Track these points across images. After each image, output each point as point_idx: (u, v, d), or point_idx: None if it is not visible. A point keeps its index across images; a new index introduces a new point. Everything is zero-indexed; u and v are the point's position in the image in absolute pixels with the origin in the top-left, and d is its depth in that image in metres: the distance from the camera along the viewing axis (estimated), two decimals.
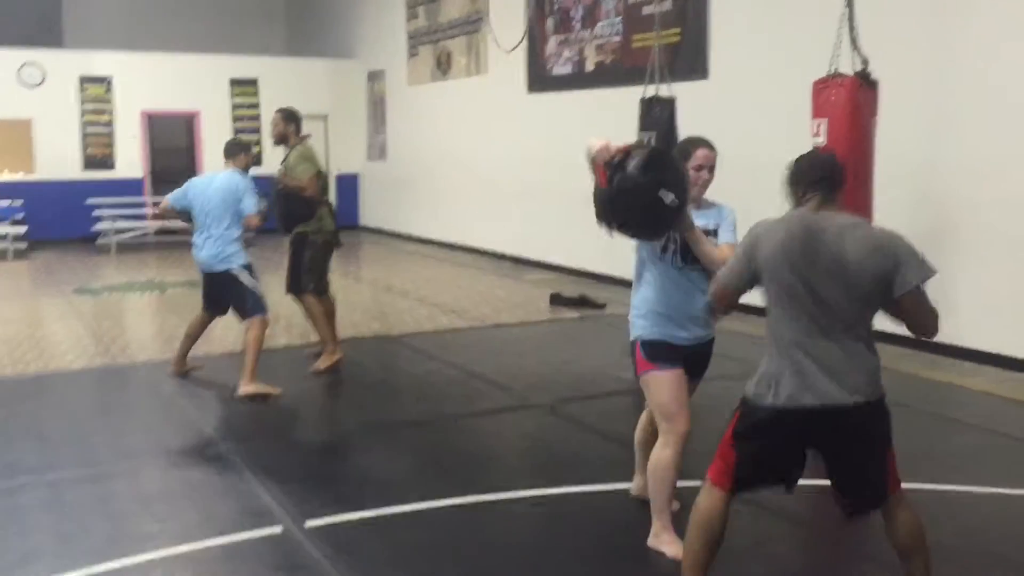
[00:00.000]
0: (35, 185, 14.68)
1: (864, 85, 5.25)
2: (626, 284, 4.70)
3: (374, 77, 16.14)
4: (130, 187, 15.14)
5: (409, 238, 15.12)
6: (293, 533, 3.92)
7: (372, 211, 16.74)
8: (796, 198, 2.95)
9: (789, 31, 7.86)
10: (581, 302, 9.04)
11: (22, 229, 13.79)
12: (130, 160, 15.33)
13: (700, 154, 3.53)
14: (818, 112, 5.33)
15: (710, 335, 3.65)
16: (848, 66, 5.42)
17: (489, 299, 9.67)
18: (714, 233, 3.51)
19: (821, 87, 5.34)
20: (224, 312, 6.33)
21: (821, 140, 5.29)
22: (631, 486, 4.09)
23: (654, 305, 3.55)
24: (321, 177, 6.62)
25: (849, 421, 2.83)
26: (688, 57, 9.02)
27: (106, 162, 15.24)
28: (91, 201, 14.44)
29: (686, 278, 3.50)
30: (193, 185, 6.21)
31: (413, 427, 5.42)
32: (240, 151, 6.33)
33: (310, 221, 6.55)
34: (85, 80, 15.06)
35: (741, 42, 8.52)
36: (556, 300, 9.20)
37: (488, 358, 7.08)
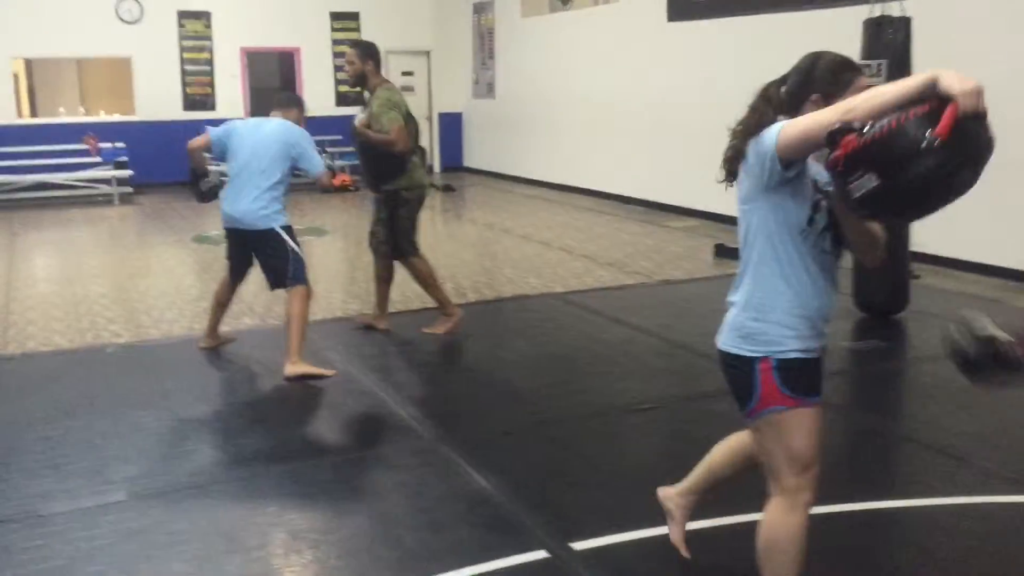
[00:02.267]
0: (137, 125, 14.14)
1: None
2: None
3: (481, 9, 15.17)
4: None
5: (520, 180, 14.29)
6: (562, 559, 3.18)
7: (478, 152, 15.92)
8: None
9: None
10: None
11: (127, 173, 13.26)
12: (231, 100, 14.68)
13: (863, 84, 2.36)
14: None
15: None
16: None
17: (642, 250, 8.83)
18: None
19: None
20: (244, 276, 5.52)
21: None
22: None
23: (792, 305, 2.40)
24: (411, 125, 5.69)
25: None
26: None
27: (206, 102, 14.61)
28: None
29: (831, 265, 2.45)
30: (236, 129, 5.29)
31: (646, 414, 4.62)
32: (295, 104, 5.46)
33: (401, 176, 5.72)
34: (184, 15, 14.38)
35: None
36: (723, 252, 8.31)
37: (680, 322, 6.26)
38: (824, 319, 2.47)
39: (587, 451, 4.23)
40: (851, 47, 6.84)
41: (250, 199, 5.18)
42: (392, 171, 5.72)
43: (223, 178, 5.49)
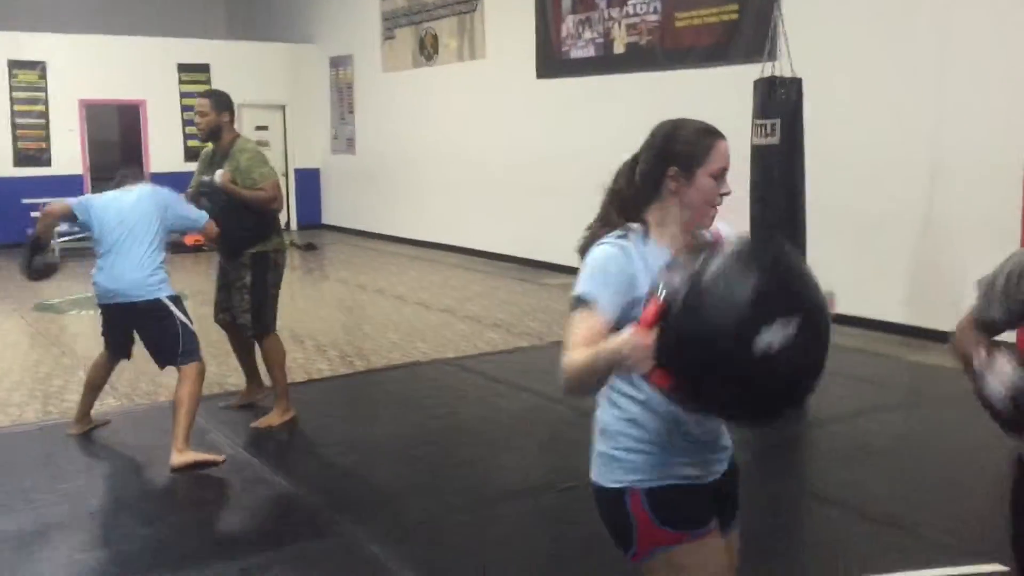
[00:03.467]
0: None
1: None
2: None
3: (339, 63, 14.82)
4: (69, 185, 13.42)
5: (383, 237, 13.91)
6: None
7: (337, 209, 15.44)
8: None
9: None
10: None
11: None
12: (68, 155, 13.70)
13: (723, 150, 2.06)
14: None
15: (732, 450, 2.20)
16: None
17: (526, 309, 8.62)
18: None
19: None
20: (129, 354, 5.02)
21: None
22: None
23: (660, 423, 2.03)
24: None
25: None
26: (748, 37, 8.13)
27: (40, 157, 13.57)
28: (27, 201, 12.78)
29: None
30: (96, 201, 4.85)
31: (572, 492, 4.34)
32: (142, 176, 5.16)
33: (270, 237, 5.25)
34: (15, 65, 13.35)
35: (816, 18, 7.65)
36: None
37: None
38: (714, 433, 2.09)
39: (518, 537, 3.91)
40: (735, 106, 6.97)
41: (133, 268, 4.68)
42: (261, 232, 5.25)
43: (63, 256, 4.95)
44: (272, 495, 4.40)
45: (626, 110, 9.33)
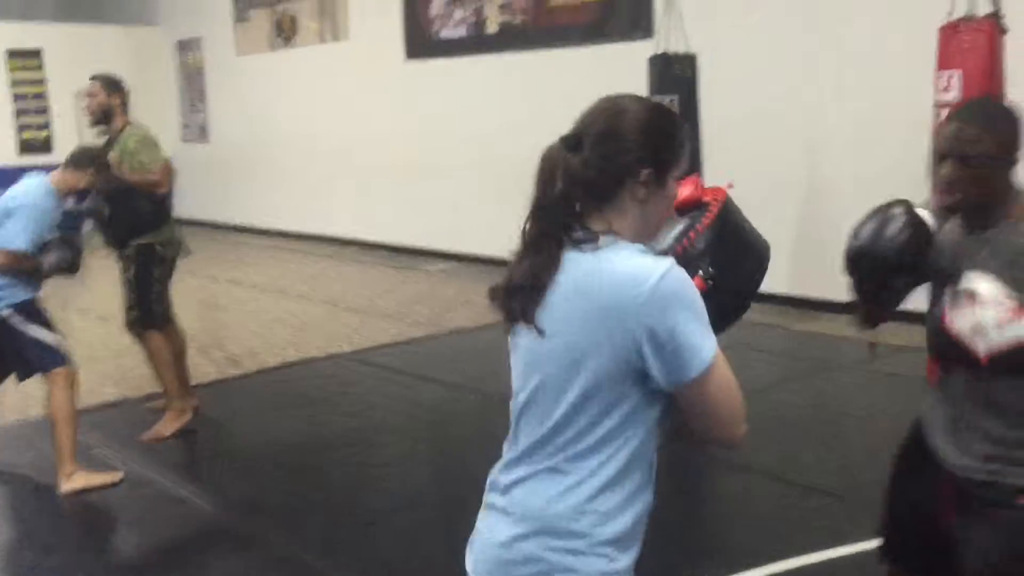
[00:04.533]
0: None
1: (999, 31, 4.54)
2: None
3: (187, 47, 14.04)
4: None
5: (244, 230, 13.30)
6: None
7: (190, 200, 14.53)
8: (1009, 182, 1.98)
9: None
10: None
11: None
12: None
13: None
14: (947, 63, 4.57)
15: None
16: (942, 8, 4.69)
17: (412, 297, 8.37)
18: None
19: (951, 33, 4.58)
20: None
21: (953, 96, 4.53)
22: None
23: (640, 513, 1.61)
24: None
25: None
26: (625, 15, 8.13)
27: None
28: None
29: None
30: None
31: None
32: (89, 163, 4.48)
33: (161, 228, 4.91)
34: None
35: None
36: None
37: (493, 375, 5.87)
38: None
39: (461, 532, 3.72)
40: (614, 84, 6.91)
41: None
42: (147, 221, 4.82)
43: None
44: (183, 513, 4.04)
45: (502, 91, 9.19)
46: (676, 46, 6.02)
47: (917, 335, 2.34)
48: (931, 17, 4.78)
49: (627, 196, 1.57)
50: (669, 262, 1.51)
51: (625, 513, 1.58)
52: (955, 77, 4.55)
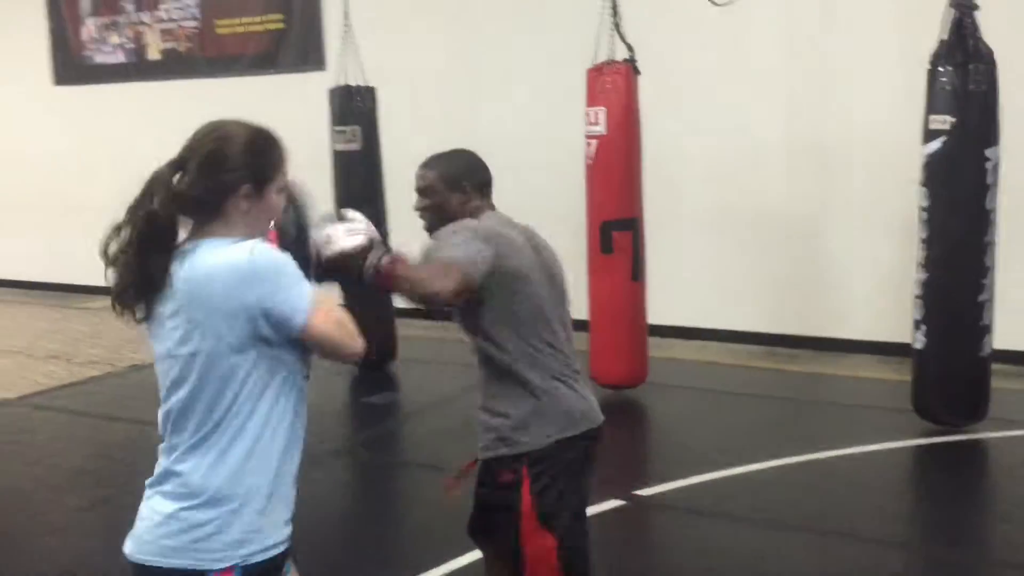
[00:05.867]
0: None
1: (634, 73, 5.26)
2: None
3: None
4: None
5: None
6: None
7: None
8: (463, 198, 2.52)
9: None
10: None
11: None
12: None
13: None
14: (595, 100, 5.21)
15: None
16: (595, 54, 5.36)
17: (79, 337, 7.86)
18: None
19: (596, 74, 5.23)
20: None
21: (600, 129, 5.19)
22: None
23: (279, 471, 1.85)
24: None
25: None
26: (297, 46, 8.27)
27: None
28: None
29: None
30: None
31: None
32: None
33: None
34: None
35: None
36: None
37: None
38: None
39: None
40: (288, 114, 7.00)
41: None
42: None
43: None
44: None
45: (167, 118, 8.84)
46: (353, 79, 6.26)
47: None
48: (579, 60, 5.42)
49: (231, 208, 1.82)
50: (252, 243, 1.78)
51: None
52: (601, 113, 5.21)
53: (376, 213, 6.25)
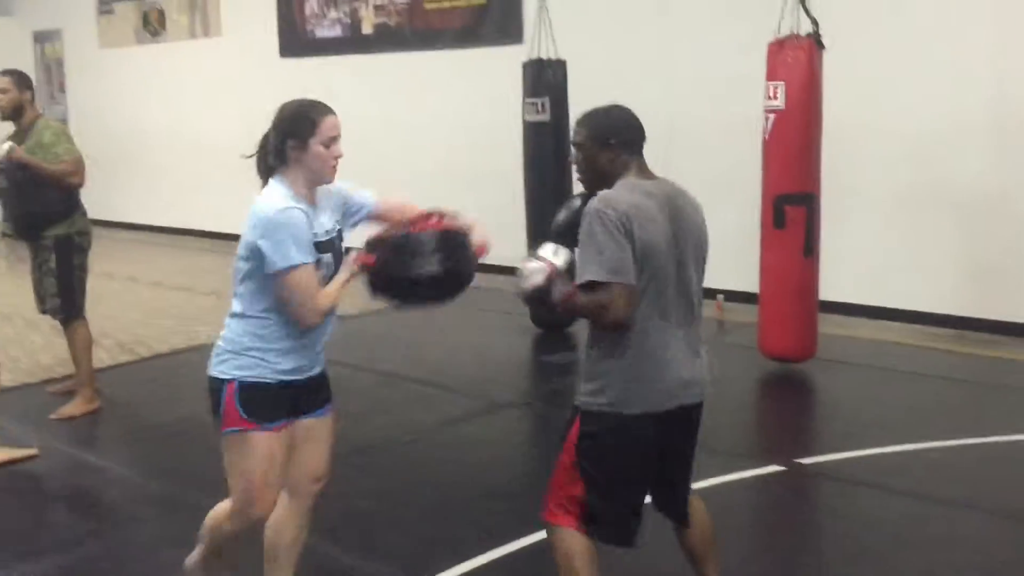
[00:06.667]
0: None
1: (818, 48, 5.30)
2: None
3: (45, 38, 13.75)
4: None
5: (109, 224, 13.13)
6: None
7: None
8: (610, 154, 2.61)
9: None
10: None
11: None
12: None
13: (330, 123, 2.70)
14: (775, 74, 5.30)
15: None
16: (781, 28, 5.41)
17: None
18: (339, 235, 2.82)
19: (777, 48, 5.31)
20: None
21: (779, 104, 5.27)
22: None
23: (275, 332, 2.72)
24: None
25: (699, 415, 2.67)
26: (497, 21, 8.68)
27: None
28: None
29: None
30: None
31: (413, 446, 4.65)
32: None
33: (74, 218, 5.15)
34: None
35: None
36: None
37: (379, 355, 6.32)
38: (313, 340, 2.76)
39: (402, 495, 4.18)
40: (489, 87, 7.33)
41: None
42: (61, 212, 5.08)
43: None
44: (106, 480, 4.32)
45: (377, 91, 9.56)
46: (546, 52, 6.59)
47: None
48: (762, 35, 5.50)
49: (290, 157, 2.68)
50: (283, 204, 2.61)
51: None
52: (780, 87, 5.29)
53: (562, 183, 6.57)
